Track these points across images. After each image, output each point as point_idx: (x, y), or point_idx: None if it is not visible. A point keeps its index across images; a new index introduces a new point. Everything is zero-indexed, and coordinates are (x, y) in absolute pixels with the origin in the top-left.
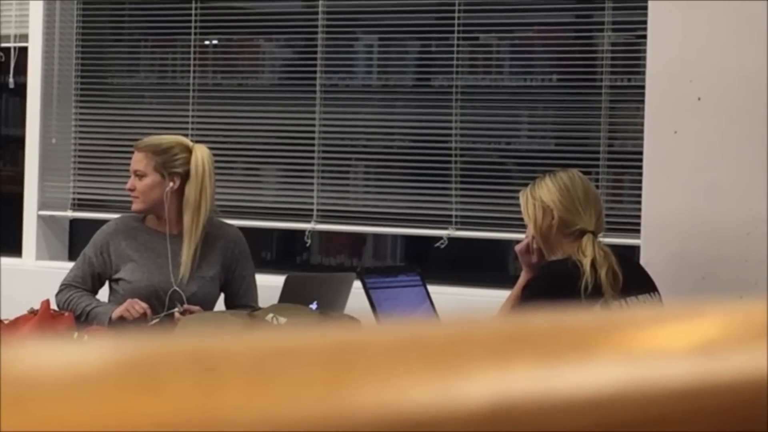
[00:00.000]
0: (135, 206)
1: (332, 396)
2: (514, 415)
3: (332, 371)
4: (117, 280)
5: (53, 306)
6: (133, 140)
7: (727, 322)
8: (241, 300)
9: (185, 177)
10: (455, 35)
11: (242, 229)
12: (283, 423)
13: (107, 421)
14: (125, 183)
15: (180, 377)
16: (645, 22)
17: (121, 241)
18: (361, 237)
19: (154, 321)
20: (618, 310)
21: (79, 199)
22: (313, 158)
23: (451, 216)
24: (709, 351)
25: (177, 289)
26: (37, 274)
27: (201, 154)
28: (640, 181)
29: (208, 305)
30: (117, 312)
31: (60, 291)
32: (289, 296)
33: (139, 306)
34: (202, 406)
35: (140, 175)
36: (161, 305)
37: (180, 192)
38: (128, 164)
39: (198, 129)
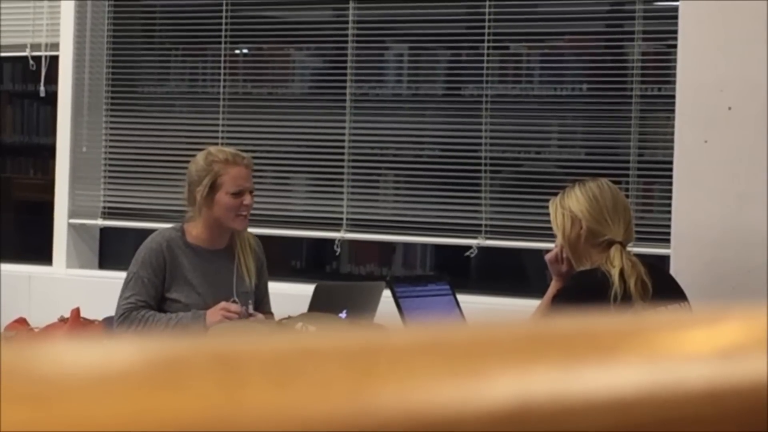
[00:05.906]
0: (245, 224)
1: (354, 396)
2: (535, 416)
3: (355, 371)
4: (166, 300)
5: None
6: (164, 149)
7: (747, 326)
8: (264, 306)
9: None
10: (485, 44)
11: (272, 237)
12: (306, 422)
13: (130, 418)
14: (155, 192)
15: (203, 376)
16: (675, 32)
17: (174, 258)
18: (390, 246)
19: None
20: (640, 315)
21: (109, 208)
22: (343, 167)
23: (480, 225)
24: (729, 354)
25: (236, 300)
26: (67, 282)
27: None
28: (671, 191)
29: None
30: (213, 317)
31: (125, 316)
32: (319, 305)
33: (235, 307)
34: (225, 404)
35: (252, 192)
36: None
37: None
38: (158, 173)
39: (228, 138)
